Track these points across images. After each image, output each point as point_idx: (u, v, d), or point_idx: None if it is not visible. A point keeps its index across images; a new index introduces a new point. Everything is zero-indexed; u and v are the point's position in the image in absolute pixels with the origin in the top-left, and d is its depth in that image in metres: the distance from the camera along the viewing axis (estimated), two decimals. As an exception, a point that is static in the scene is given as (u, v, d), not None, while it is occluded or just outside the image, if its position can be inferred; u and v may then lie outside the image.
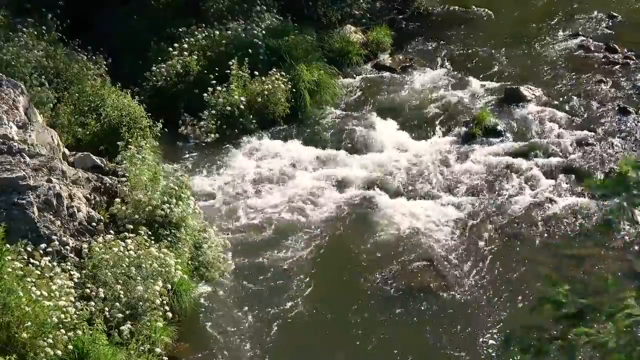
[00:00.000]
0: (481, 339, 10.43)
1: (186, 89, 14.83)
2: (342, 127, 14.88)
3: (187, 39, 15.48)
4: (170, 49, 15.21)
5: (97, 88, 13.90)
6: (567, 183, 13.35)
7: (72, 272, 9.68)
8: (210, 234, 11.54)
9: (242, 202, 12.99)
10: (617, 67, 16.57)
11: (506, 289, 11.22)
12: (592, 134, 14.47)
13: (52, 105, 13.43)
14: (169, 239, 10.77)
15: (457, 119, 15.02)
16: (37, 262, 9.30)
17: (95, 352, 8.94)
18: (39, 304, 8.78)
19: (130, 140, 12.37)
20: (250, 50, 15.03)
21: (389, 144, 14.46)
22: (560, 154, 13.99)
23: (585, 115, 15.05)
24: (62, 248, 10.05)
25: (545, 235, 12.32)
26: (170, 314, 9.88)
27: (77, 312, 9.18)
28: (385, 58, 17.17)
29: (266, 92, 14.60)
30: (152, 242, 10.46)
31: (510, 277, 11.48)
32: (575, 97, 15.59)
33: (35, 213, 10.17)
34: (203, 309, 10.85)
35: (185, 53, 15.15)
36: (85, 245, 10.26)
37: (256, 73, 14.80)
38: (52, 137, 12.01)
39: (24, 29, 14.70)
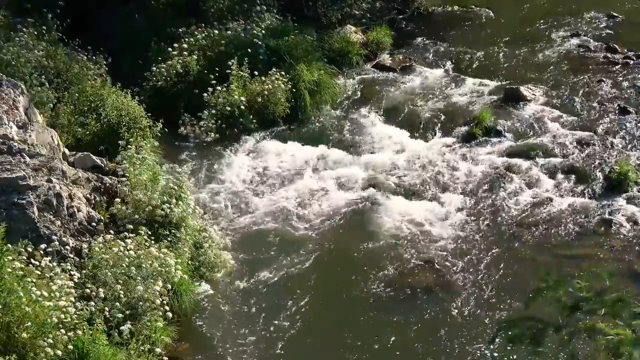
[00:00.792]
0: (481, 339, 10.42)
1: (186, 89, 14.83)
2: (342, 127, 14.89)
3: (187, 39, 15.48)
4: (170, 49, 15.21)
5: (97, 88, 13.90)
6: (567, 183, 13.35)
7: (72, 272, 9.67)
8: (210, 234, 11.55)
9: (242, 202, 13.00)
10: (617, 67, 16.58)
11: (506, 289, 11.22)
12: (592, 134, 14.48)
13: (52, 105, 13.42)
14: (169, 239, 10.78)
15: (457, 119, 15.02)
16: (37, 262, 9.30)
17: (95, 352, 8.94)
18: (39, 304, 8.78)
19: (130, 140, 12.36)
20: (250, 50, 15.03)
21: (389, 143, 14.47)
22: (560, 154, 14.00)
23: (585, 115, 15.06)
24: (62, 248, 10.05)
25: (545, 235, 12.32)
26: (170, 314, 9.88)
27: (77, 312, 9.18)
28: (385, 58, 17.18)
29: (266, 92, 14.61)
30: (152, 242, 10.46)
31: (511, 277, 11.48)
32: (575, 97, 15.60)
33: (35, 213, 10.18)
34: (203, 309, 10.85)
35: (185, 53, 15.15)
36: (85, 245, 10.26)
37: (256, 73, 14.80)
38: (52, 137, 12.01)
39: (24, 29, 14.70)
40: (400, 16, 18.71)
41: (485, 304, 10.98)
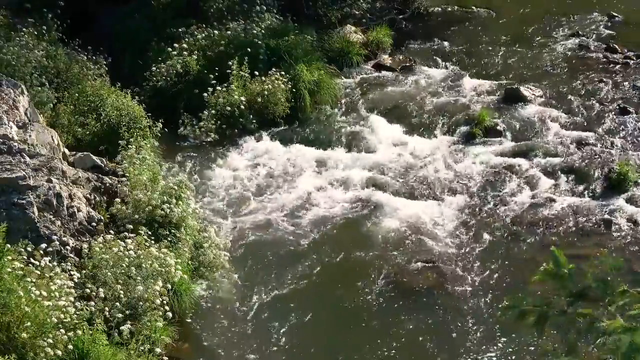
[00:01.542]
0: (481, 339, 10.43)
1: (186, 89, 14.82)
2: (342, 127, 14.88)
3: (187, 39, 15.48)
4: (170, 49, 15.21)
5: (97, 88, 13.89)
6: (567, 183, 13.35)
7: (72, 272, 9.67)
8: (210, 234, 11.55)
9: (242, 202, 13.00)
10: (617, 67, 16.58)
11: (506, 289, 11.21)
12: (592, 134, 14.47)
13: (52, 105, 13.42)
14: (169, 239, 10.77)
15: (457, 119, 15.02)
16: (37, 262, 9.30)
17: (95, 352, 8.94)
18: (38, 304, 8.78)
19: (130, 140, 12.37)
20: (250, 50, 15.02)
21: (389, 143, 14.47)
22: (560, 154, 13.99)
23: (585, 115, 15.05)
24: (62, 248, 10.05)
25: (545, 235, 12.32)
26: (170, 314, 9.88)
27: (77, 312, 9.18)
28: (385, 58, 17.18)
29: (266, 92, 14.61)
30: (152, 242, 10.46)
31: (510, 276, 11.48)
32: (575, 97, 15.59)
33: (35, 213, 10.18)
34: (203, 309, 10.85)
35: (185, 53, 15.15)
36: (85, 245, 10.26)
37: (256, 73, 14.80)
38: (52, 137, 12.01)
39: (24, 29, 14.70)
40: (400, 16, 18.71)
41: (485, 304, 10.98)
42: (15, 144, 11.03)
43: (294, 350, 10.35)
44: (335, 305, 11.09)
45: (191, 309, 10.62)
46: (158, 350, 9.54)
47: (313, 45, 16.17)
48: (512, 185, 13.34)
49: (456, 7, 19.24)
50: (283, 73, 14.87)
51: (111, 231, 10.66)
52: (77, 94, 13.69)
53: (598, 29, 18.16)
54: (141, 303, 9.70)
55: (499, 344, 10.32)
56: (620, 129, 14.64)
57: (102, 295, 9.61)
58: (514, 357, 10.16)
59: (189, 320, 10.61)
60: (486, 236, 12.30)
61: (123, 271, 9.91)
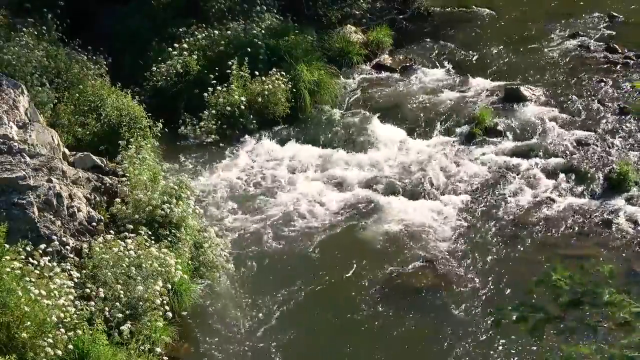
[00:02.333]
0: (481, 339, 10.43)
1: (186, 89, 14.83)
2: (342, 127, 14.88)
3: (187, 39, 15.49)
4: (171, 49, 15.22)
5: (97, 88, 13.90)
6: (567, 183, 13.35)
7: (71, 272, 9.67)
8: (210, 234, 11.54)
9: (242, 202, 13.00)
10: (617, 67, 16.57)
11: (506, 289, 11.22)
12: (592, 134, 14.47)
13: (52, 105, 13.43)
14: (169, 239, 10.78)
15: (457, 119, 15.01)
16: (36, 262, 9.29)
17: (95, 352, 8.94)
18: (38, 304, 8.78)
19: (130, 140, 12.37)
20: (250, 50, 15.03)
21: (389, 143, 14.47)
22: (560, 154, 13.99)
23: (585, 115, 15.05)
24: (62, 248, 10.06)
25: (545, 235, 12.32)
26: (170, 314, 9.88)
27: (77, 312, 9.18)
28: (385, 58, 17.18)
29: (266, 92, 14.61)
30: (152, 242, 10.46)
31: (510, 276, 11.48)
32: (575, 97, 15.59)
33: (35, 213, 10.18)
34: (203, 309, 10.85)
35: (186, 53, 15.15)
36: (85, 245, 10.26)
37: (256, 73, 14.80)
38: (52, 137, 12.01)
39: (24, 29, 14.70)
40: (400, 16, 18.71)
41: (485, 304, 10.98)
42: (16, 144, 11.04)
43: (293, 350, 10.35)
44: (334, 305, 11.09)
45: (191, 309, 10.62)
46: (158, 350, 9.55)
47: (313, 45, 16.18)
48: (512, 185, 13.34)
49: (456, 7, 19.24)
50: (283, 73, 14.88)
51: (111, 231, 10.67)
52: (77, 94, 13.69)
53: (598, 29, 18.15)
54: (141, 303, 9.70)
55: (499, 344, 10.31)
56: (620, 129, 14.63)
57: (102, 295, 9.61)
58: (514, 358, 10.16)
59: (189, 320, 10.61)
60: (486, 236, 12.30)
61: (123, 271, 9.91)
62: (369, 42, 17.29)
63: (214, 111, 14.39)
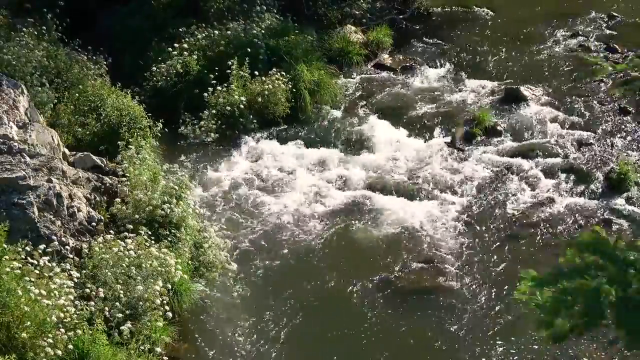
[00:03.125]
0: (481, 339, 10.43)
1: (186, 89, 14.82)
2: (342, 127, 14.88)
3: (187, 39, 15.48)
4: (171, 49, 15.21)
5: (97, 88, 13.90)
6: (567, 183, 13.35)
7: (71, 272, 9.67)
8: (210, 234, 11.54)
9: (242, 202, 13.00)
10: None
11: (506, 289, 11.21)
12: (592, 134, 14.48)
13: (52, 105, 13.43)
14: (169, 239, 10.78)
15: (457, 119, 15.02)
16: (35, 262, 9.29)
17: (95, 352, 8.94)
18: (38, 304, 8.78)
19: (130, 140, 12.37)
20: (250, 50, 15.02)
21: (389, 143, 14.47)
22: (560, 154, 13.99)
23: (585, 115, 15.05)
24: (62, 248, 10.06)
25: (545, 235, 12.32)
26: (170, 314, 9.88)
27: (77, 312, 9.18)
28: (385, 58, 17.18)
29: (266, 92, 14.61)
30: (152, 242, 10.46)
31: (510, 277, 11.46)
32: (575, 97, 15.60)
33: (35, 213, 10.18)
34: (203, 309, 10.85)
35: (186, 53, 15.15)
36: (85, 245, 10.26)
37: (256, 73, 14.80)
38: (52, 137, 12.01)
39: (24, 29, 14.69)
40: (400, 16, 18.71)
41: (485, 305, 10.98)
42: (16, 144, 11.04)
43: (293, 349, 10.36)
44: (334, 306, 11.09)
45: (191, 309, 10.62)
46: (158, 350, 9.55)
47: (313, 45, 16.17)
48: (512, 185, 13.34)
49: (456, 7, 19.24)
50: (283, 73, 14.87)
51: (111, 231, 10.67)
52: (77, 94, 13.69)
53: (598, 29, 18.16)
54: (141, 303, 9.70)
55: (499, 345, 10.32)
56: (620, 129, 14.64)
57: (102, 295, 9.61)
58: (514, 358, 10.16)
59: (189, 320, 10.61)
60: (486, 236, 12.30)
61: (123, 271, 9.91)
62: (369, 42, 17.29)
63: (214, 111, 14.39)
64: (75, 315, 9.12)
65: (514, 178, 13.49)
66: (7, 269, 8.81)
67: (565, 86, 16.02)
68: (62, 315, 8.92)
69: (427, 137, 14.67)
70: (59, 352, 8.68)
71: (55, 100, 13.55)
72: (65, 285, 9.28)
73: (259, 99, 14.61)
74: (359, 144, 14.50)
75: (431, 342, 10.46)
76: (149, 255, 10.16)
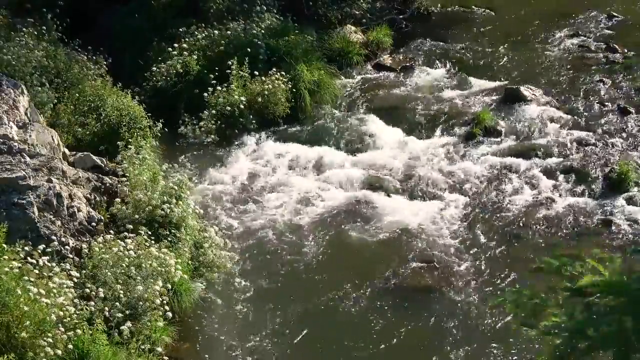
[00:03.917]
0: (481, 339, 10.43)
1: (186, 89, 14.82)
2: (342, 127, 14.89)
3: (187, 39, 15.48)
4: (170, 49, 15.22)
5: (97, 88, 13.90)
6: (567, 183, 13.35)
7: (71, 272, 9.67)
8: (210, 234, 11.55)
9: (242, 202, 13.00)
10: (617, 67, 16.57)
11: (506, 289, 11.20)
12: (592, 134, 14.48)
13: (52, 105, 13.42)
14: (169, 239, 10.77)
15: (457, 119, 15.02)
16: (34, 261, 9.28)
17: (95, 352, 8.94)
18: (37, 303, 8.77)
19: (130, 140, 12.37)
20: (250, 50, 15.03)
21: (389, 143, 14.47)
22: (560, 154, 14.00)
23: (585, 115, 15.05)
24: (62, 248, 10.05)
25: (545, 235, 12.32)
26: (170, 314, 9.88)
27: (77, 312, 9.18)
28: (385, 58, 17.18)
29: (266, 92, 14.61)
30: (152, 242, 10.46)
31: (510, 276, 11.48)
32: (575, 97, 15.60)
33: (35, 213, 10.18)
34: (203, 309, 10.85)
35: (185, 53, 15.15)
36: (85, 245, 10.26)
37: (256, 73, 14.80)
38: (52, 137, 12.01)
39: (24, 29, 14.70)
40: (400, 16, 18.71)
41: (485, 305, 10.98)
42: (16, 144, 11.04)
43: (293, 349, 10.35)
44: (335, 306, 11.08)
45: (191, 309, 10.62)
46: (158, 349, 9.55)
47: (313, 45, 16.18)
48: (512, 185, 13.34)
49: (456, 7, 19.25)
50: (283, 73, 14.87)
51: (111, 231, 10.67)
52: (77, 94, 13.69)
53: (598, 29, 18.16)
54: (141, 303, 9.70)
55: (499, 345, 10.32)
56: (620, 129, 14.64)
57: (102, 295, 9.61)
58: (514, 358, 10.16)
59: (189, 320, 10.61)
60: (486, 236, 12.30)
61: (123, 271, 9.91)
62: (369, 42, 17.29)
63: (213, 111, 14.39)
64: (75, 315, 9.12)
65: (514, 178, 13.49)
66: (6, 269, 8.81)
67: (565, 86, 16.03)
68: (61, 314, 8.92)
69: (427, 137, 14.67)
70: (59, 352, 8.68)
71: (55, 100, 13.55)
72: (65, 285, 9.27)
73: (259, 99, 14.61)
74: (358, 143, 14.50)
75: (431, 342, 10.46)
76: (149, 255, 10.16)
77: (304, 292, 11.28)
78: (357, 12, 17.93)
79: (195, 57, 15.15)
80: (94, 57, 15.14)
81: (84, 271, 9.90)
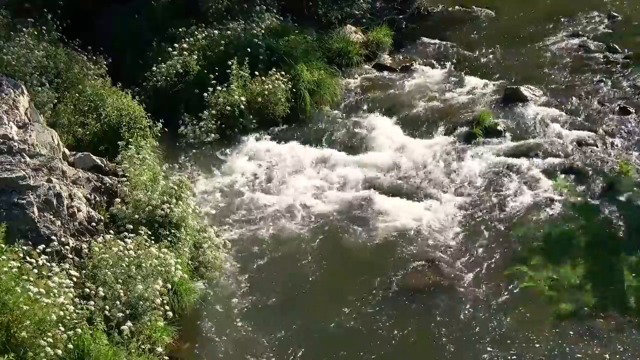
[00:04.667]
0: (481, 339, 10.43)
1: (186, 89, 14.83)
2: (342, 127, 14.90)
3: (187, 39, 15.49)
4: (170, 49, 15.23)
5: (97, 88, 13.92)
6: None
7: (71, 272, 9.67)
8: (210, 234, 11.55)
9: (242, 202, 13.01)
10: (617, 67, 16.58)
11: (506, 289, 11.22)
12: (592, 134, 14.48)
13: (52, 105, 13.43)
14: (169, 238, 10.78)
15: (457, 119, 15.02)
16: (34, 261, 9.28)
17: (95, 352, 8.94)
18: (37, 303, 8.77)
19: (130, 140, 12.38)
20: (250, 50, 15.04)
21: (388, 143, 14.48)
22: (560, 154, 14.00)
23: (585, 115, 15.06)
24: (62, 248, 10.06)
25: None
26: (170, 314, 9.88)
27: (77, 312, 9.18)
28: (385, 58, 17.19)
29: (266, 92, 14.62)
30: (152, 242, 10.46)
31: (511, 277, 11.48)
32: (575, 97, 15.60)
33: (35, 213, 10.19)
34: (203, 309, 10.86)
35: (185, 53, 15.16)
36: (85, 245, 10.26)
37: (256, 73, 14.81)
38: (52, 137, 12.01)
39: (24, 29, 14.71)
40: (400, 16, 18.71)
41: (485, 304, 10.98)
42: (16, 144, 11.04)
43: (294, 350, 10.35)
44: (334, 306, 11.08)
45: (191, 309, 10.63)
46: (159, 349, 9.55)
47: (313, 45, 16.19)
48: (512, 186, 13.34)
49: (456, 7, 19.25)
50: (283, 73, 14.89)
51: (111, 231, 10.67)
52: (77, 94, 13.70)
53: (598, 29, 18.16)
54: (141, 302, 9.70)
55: (499, 345, 10.32)
56: (620, 129, 14.64)
57: (102, 294, 9.61)
58: (513, 357, 10.16)
59: (189, 320, 10.61)
60: (486, 236, 12.29)
61: (123, 271, 9.91)
62: (369, 42, 17.29)
63: (213, 111, 14.40)
64: (75, 315, 9.12)
65: (514, 178, 13.50)
66: (5, 269, 8.81)
67: (565, 86, 16.03)
68: (61, 313, 8.91)
69: (427, 137, 14.67)
70: (59, 352, 8.67)
71: (55, 100, 13.56)
72: (64, 285, 9.27)
73: (259, 99, 14.62)
74: (359, 143, 14.50)
75: (431, 342, 10.45)
76: (149, 254, 10.17)
77: (304, 291, 11.28)
78: (357, 12, 17.93)
79: (195, 57, 15.16)
80: (94, 57, 15.15)
81: (84, 271, 9.90)
